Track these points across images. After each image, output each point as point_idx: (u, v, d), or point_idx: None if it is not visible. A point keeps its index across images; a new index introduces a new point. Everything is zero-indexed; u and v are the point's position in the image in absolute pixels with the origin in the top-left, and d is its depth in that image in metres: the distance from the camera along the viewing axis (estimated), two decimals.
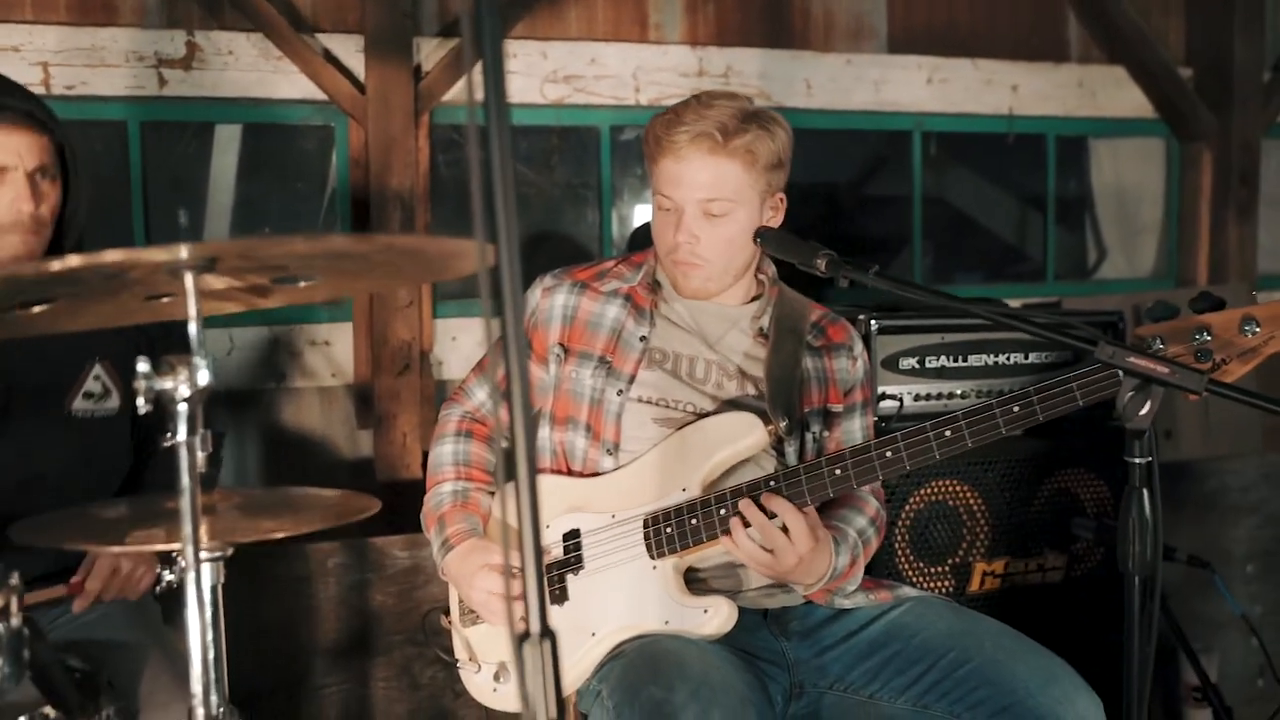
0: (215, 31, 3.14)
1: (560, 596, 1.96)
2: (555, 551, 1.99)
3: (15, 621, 1.18)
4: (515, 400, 0.89)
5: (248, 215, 3.27)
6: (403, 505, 3.13)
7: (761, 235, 1.94)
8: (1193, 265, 4.28)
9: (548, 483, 2.05)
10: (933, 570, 2.53)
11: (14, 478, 1.91)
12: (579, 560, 1.96)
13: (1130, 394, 1.49)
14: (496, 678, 1.98)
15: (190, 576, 1.14)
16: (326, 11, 3.24)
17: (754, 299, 2.10)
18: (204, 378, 1.14)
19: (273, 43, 3.14)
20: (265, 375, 3.24)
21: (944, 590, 2.54)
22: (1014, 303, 3.95)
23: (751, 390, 2.01)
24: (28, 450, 1.93)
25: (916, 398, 2.56)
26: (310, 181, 3.31)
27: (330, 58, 3.20)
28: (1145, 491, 1.51)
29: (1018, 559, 2.58)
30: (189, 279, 1.11)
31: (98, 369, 2.04)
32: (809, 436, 2.02)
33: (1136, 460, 1.51)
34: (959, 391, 2.60)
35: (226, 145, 3.25)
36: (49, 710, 1.40)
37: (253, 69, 3.18)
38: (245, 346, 3.21)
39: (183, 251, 1.04)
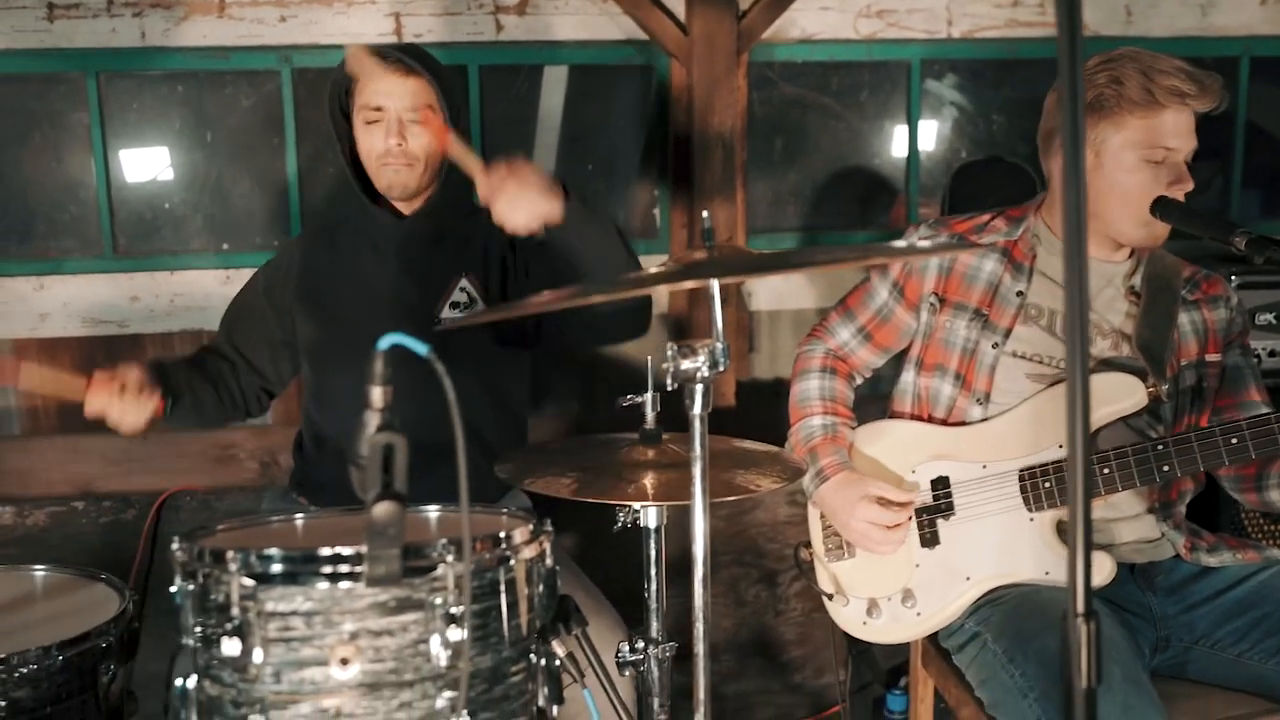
0: None
1: (931, 540, 2.07)
2: (924, 497, 2.08)
3: (549, 562, 1.37)
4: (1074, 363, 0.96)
5: (572, 154, 3.44)
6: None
7: (1161, 206, 1.93)
8: None
9: (912, 429, 2.15)
10: None
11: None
12: (950, 507, 2.05)
13: None
14: (869, 613, 2.11)
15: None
16: None
17: (1129, 255, 2.10)
18: (722, 364, 1.28)
19: None
20: None
21: None
22: None
23: (1126, 349, 2.03)
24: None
25: (1272, 354, 2.50)
26: (631, 120, 3.45)
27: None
28: None
29: None
30: (714, 285, 1.28)
31: (464, 282, 2.30)
32: (1184, 393, 2.04)
33: None
34: None
35: (554, 86, 3.42)
36: None
37: (580, 11, 3.32)
38: None
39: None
